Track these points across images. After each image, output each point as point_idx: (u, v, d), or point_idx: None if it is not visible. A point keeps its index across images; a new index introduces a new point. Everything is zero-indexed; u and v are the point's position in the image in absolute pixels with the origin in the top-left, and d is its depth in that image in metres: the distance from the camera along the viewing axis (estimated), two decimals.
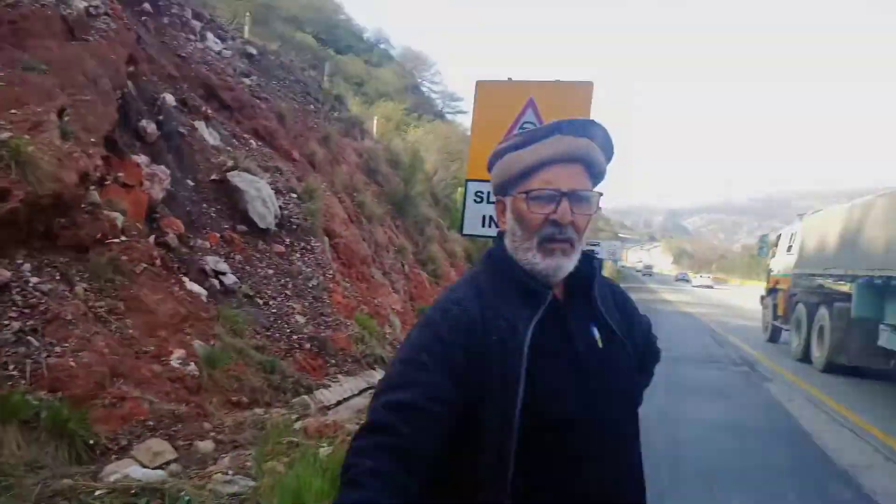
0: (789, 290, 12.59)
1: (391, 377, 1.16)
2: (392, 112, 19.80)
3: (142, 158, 7.03)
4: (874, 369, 9.25)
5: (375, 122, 17.22)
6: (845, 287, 9.82)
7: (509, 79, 7.62)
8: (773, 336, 13.86)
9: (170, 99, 8.34)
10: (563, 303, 1.23)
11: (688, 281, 62.91)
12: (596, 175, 1.24)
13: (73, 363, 4.50)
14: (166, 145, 7.76)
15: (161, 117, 7.90)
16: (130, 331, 5.33)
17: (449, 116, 33.42)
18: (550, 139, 1.20)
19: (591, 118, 1.27)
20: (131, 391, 4.89)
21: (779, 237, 14.48)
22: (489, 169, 1.30)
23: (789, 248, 12.98)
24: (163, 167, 7.34)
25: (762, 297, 15.09)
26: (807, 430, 6.13)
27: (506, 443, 1.09)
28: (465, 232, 7.86)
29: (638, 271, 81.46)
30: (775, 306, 13.54)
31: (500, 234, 1.30)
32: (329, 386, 7.28)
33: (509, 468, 1.09)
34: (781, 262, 13.56)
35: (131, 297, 5.54)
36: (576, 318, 1.23)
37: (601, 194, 1.24)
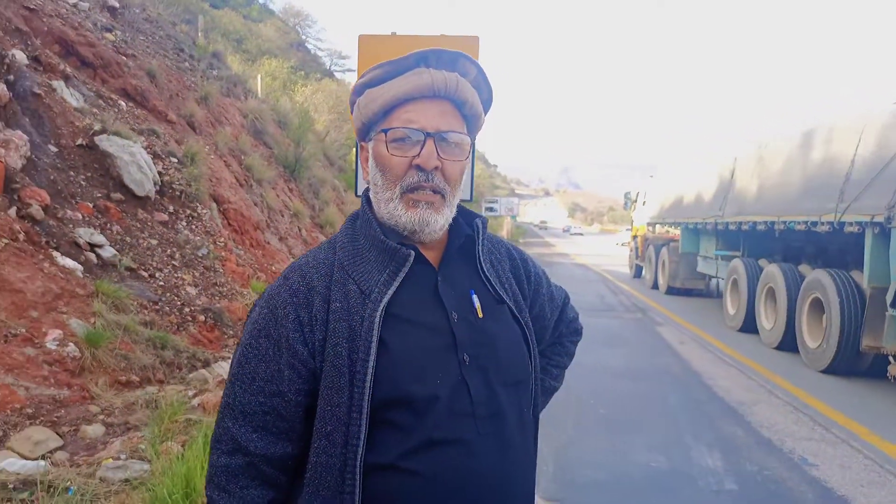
0: (644, 236, 16.00)
1: (234, 372, 1.05)
2: (277, 70, 18.82)
3: None
4: (697, 290, 13.19)
5: (260, 80, 16.32)
6: (676, 231, 13.56)
7: (393, 33, 7.43)
8: (637, 273, 17.41)
9: (20, 56, 7.42)
10: (440, 266, 1.08)
11: (568, 231, 79.53)
12: (469, 117, 1.08)
13: None
14: (21, 108, 6.93)
15: (11, 77, 7.01)
16: None
17: (338, 75, 32.38)
18: (413, 71, 1.03)
19: (463, 52, 1.07)
20: (2, 378, 4.43)
21: (637, 194, 17.31)
22: (351, 109, 1.13)
23: (644, 203, 16.14)
24: (19, 132, 6.56)
25: (624, 243, 20.18)
26: (697, 370, 6.55)
27: (354, 417, 0.95)
28: (358, 193, 7.70)
29: (535, 226, 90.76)
30: (637, 249, 17.14)
31: (367, 190, 1.14)
32: (228, 358, 6.96)
33: (360, 444, 0.95)
34: (639, 214, 16.69)
35: None
36: (451, 284, 1.07)
37: (472, 137, 1.09)
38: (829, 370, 6.54)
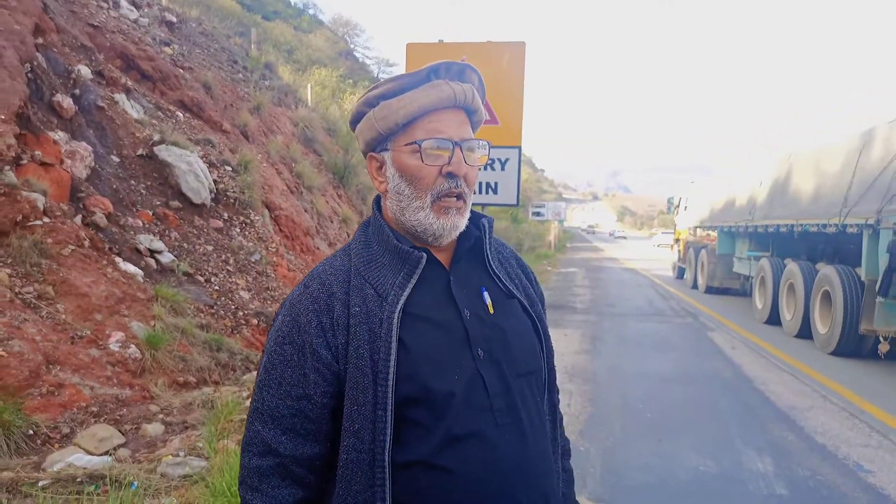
0: (686, 240, 16.92)
1: (261, 378, 1.09)
2: (326, 79, 19.22)
3: (60, 135, 6.61)
4: (734, 289, 13.60)
5: (310, 89, 16.71)
6: (714, 235, 14.56)
7: (440, 41, 7.51)
8: (679, 274, 18.19)
9: (85, 71, 7.83)
10: (451, 267, 1.13)
11: (613, 235, 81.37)
12: (475, 123, 1.14)
13: (2, 352, 4.25)
14: (86, 120, 7.32)
15: (77, 91, 7.42)
16: (63, 316, 5.07)
17: None
18: (431, 83, 1.07)
19: (467, 63, 1.12)
20: (69, 377, 4.68)
21: (679, 199, 18.18)
22: (355, 121, 1.15)
23: (686, 208, 17.04)
24: (84, 144, 6.93)
25: (669, 245, 21.68)
26: (749, 375, 6.40)
27: (380, 415, 1.00)
28: None
29: (583, 230, 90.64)
30: (679, 252, 18.02)
31: (377, 198, 1.18)
32: None
33: (386, 441, 0.99)
34: (681, 219, 17.60)
35: (61, 280, 5.26)
36: (462, 283, 1.11)
37: (488, 143, 1.15)
38: (836, 352, 7.52)
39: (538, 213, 33.89)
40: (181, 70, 9.93)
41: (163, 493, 3.52)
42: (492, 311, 1.11)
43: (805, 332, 8.52)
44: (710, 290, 14.34)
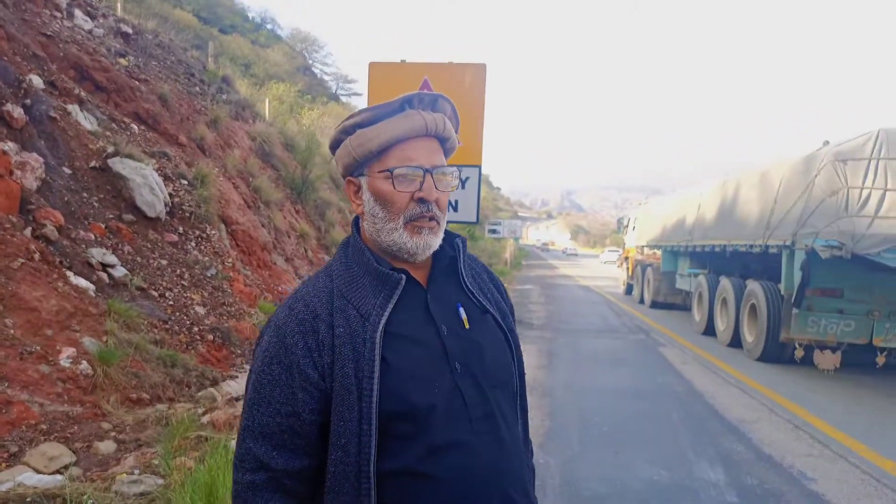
0: (634, 258, 17.87)
1: (250, 398, 1.15)
2: (284, 94, 19.11)
3: (9, 145, 6.42)
4: (677, 304, 14.55)
5: (268, 104, 16.58)
6: (659, 253, 15.17)
7: (403, 61, 7.63)
8: (628, 290, 19.21)
9: (37, 81, 7.64)
10: (428, 285, 1.19)
11: (565, 252, 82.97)
12: (448, 150, 1.21)
13: None
14: (37, 131, 7.12)
15: (28, 101, 7.22)
16: (11, 331, 4.91)
17: (344, 98, 32.76)
18: (404, 113, 1.14)
19: (440, 93, 1.19)
20: (18, 395, 4.52)
21: (629, 220, 19.20)
22: (334, 147, 1.22)
23: (633, 228, 18.01)
24: (35, 155, 6.74)
25: (615, 262, 25.19)
26: (700, 390, 6.63)
27: (365, 429, 1.06)
28: None
29: (537, 248, 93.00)
30: (627, 269, 19.14)
31: (356, 219, 1.24)
32: (236, 377, 7.03)
33: (371, 453, 1.06)
34: (630, 238, 18.71)
35: (10, 294, 5.09)
36: (439, 301, 1.18)
37: (458, 168, 1.24)
38: (761, 359, 8.43)
39: (494, 231, 34.27)
40: (136, 82, 9.76)
41: None
42: (467, 325, 1.17)
43: (736, 341, 9.43)
44: (654, 304, 15.44)
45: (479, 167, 7.37)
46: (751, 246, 8.92)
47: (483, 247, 30.22)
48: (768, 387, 6.83)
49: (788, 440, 4.91)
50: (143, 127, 9.31)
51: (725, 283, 10.07)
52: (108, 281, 6.65)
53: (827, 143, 7.99)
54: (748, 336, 9.00)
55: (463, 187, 7.32)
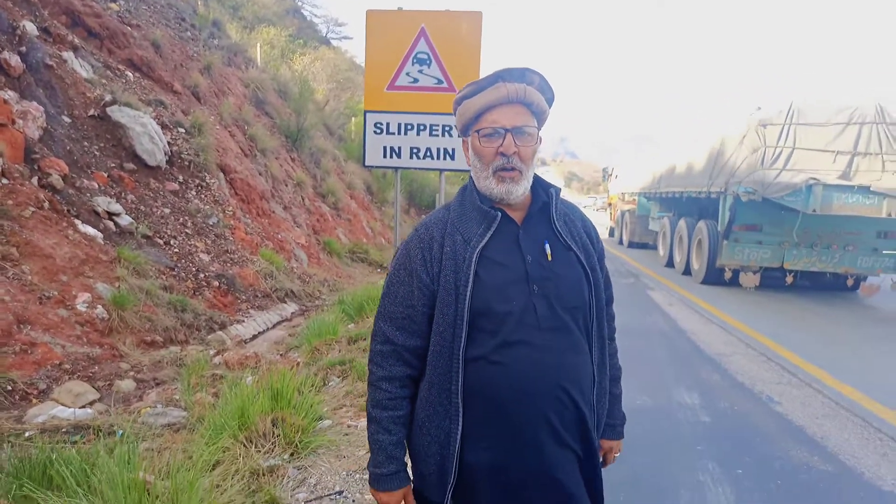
0: (616, 204, 19.75)
1: (385, 291, 1.54)
2: (275, 38, 18.80)
3: (9, 94, 6.50)
4: (649, 243, 16.17)
5: (259, 49, 16.37)
6: (635, 199, 16.86)
7: (399, 8, 7.63)
8: (611, 233, 21.03)
9: (31, 27, 7.63)
10: (522, 223, 1.49)
11: None
12: (537, 113, 1.47)
13: None
14: (34, 79, 7.17)
15: (24, 48, 7.24)
16: (29, 276, 5.15)
17: (335, 42, 32.12)
18: (494, 86, 1.44)
19: (529, 67, 1.47)
20: (41, 336, 4.80)
21: (613, 169, 21.13)
22: (455, 114, 1.55)
23: (616, 177, 20.03)
24: (34, 103, 6.82)
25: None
26: (683, 328, 6.99)
27: (458, 322, 1.40)
28: (367, 163, 8.01)
29: None
30: (611, 215, 21.18)
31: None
32: (243, 321, 7.35)
33: (460, 341, 1.40)
34: (613, 186, 20.73)
35: (24, 242, 5.31)
36: (529, 236, 1.47)
37: (539, 128, 1.49)
38: (704, 282, 10.40)
39: None
40: (129, 28, 9.70)
41: (149, 439, 3.75)
42: (549, 258, 1.47)
43: (688, 270, 11.41)
44: (631, 244, 17.41)
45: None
46: (699, 192, 10.88)
47: None
48: (746, 323, 7.21)
49: (760, 370, 5.28)
50: (137, 74, 9.32)
51: (682, 223, 11.93)
52: (114, 229, 6.86)
53: (759, 108, 9.82)
54: (695, 264, 11.00)
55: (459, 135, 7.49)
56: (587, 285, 1.49)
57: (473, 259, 1.42)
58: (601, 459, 1.64)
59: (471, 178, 1.55)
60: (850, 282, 10.19)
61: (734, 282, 10.03)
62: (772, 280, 10.06)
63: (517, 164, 1.44)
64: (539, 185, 1.53)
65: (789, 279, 9.90)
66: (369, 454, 1.53)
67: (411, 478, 1.55)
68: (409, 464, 1.54)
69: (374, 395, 1.52)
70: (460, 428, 1.42)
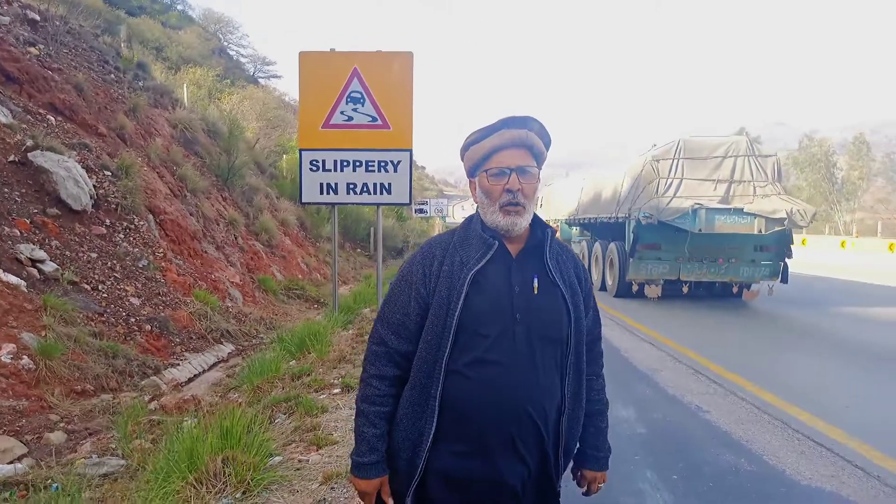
0: None
1: (386, 297, 1.69)
2: (202, 78, 18.60)
3: None
4: None
5: (186, 89, 16.16)
6: (559, 224, 17.99)
7: (332, 49, 7.82)
8: None
9: None
10: (517, 256, 1.63)
11: None
12: (537, 155, 1.65)
13: None
14: None
15: None
16: None
17: (263, 81, 31.97)
18: (499, 132, 1.62)
19: (530, 115, 1.66)
20: None
21: (540, 198, 21.92)
22: (462, 158, 1.72)
23: (541, 205, 20.74)
24: None
25: None
26: (616, 346, 7.30)
27: (445, 335, 1.55)
28: (304, 200, 8.09)
29: None
30: None
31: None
32: (178, 364, 7.15)
33: (444, 352, 1.54)
34: (541, 213, 22.01)
35: None
36: (521, 268, 1.61)
37: (539, 168, 1.66)
38: (617, 295, 11.86)
39: (421, 210, 34.71)
40: (49, 71, 9.45)
41: (87, 490, 3.61)
42: (536, 291, 1.61)
43: (603, 286, 12.82)
44: None
45: (410, 150, 7.73)
46: (610, 218, 12.40)
47: (412, 226, 30.55)
48: (674, 340, 7.60)
49: (689, 383, 5.60)
50: (60, 118, 9.07)
51: (597, 245, 13.51)
52: (38, 276, 6.60)
53: (654, 145, 12.19)
54: (609, 280, 12.54)
55: (396, 170, 7.66)
56: (567, 321, 1.63)
57: (467, 280, 1.56)
58: (585, 489, 1.84)
59: (477, 211, 1.72)
60: (735, 289, 11.67)
61: (640, 294, 11.50)
62: (672, 290, 11.49)
63: (521, 199, 1.60)
64: (537, 224, 1.68)
65: (685, 289, 11.46)
66: (354, 445, 1.66)
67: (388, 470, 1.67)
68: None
69: (364, 390, 1.65)
70: (433, 429, 1.55)
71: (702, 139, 11.53)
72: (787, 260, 11.07)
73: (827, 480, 3.54)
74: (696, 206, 10.16)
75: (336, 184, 7.67)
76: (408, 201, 7.67)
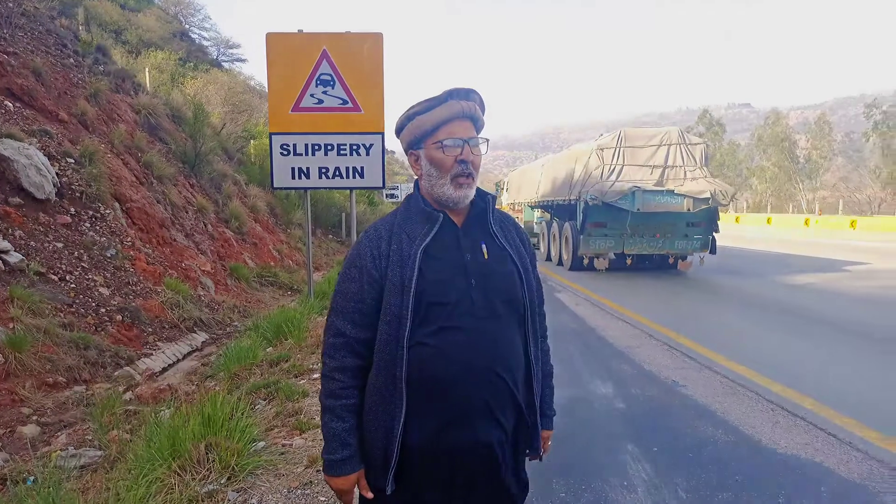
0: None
1: (337, 289, 1.66)
2: (164, 62, 18.11)
3: None
4: (535, 245, 17.67)
5: (147, 74, 15.72)
6: (521, 207, 19.64)
7: (300, 31, 7.66)
8: None
9: None
10: (462, 226, 1.65)
11: None
12: (479, 128, 1.68)
13: None
14: None
15: None
16: None
17: (227, 65, 31.27)
18: (447, 103, 1.61)
19: (472, 88, 1.66)
20: None
21: (504, 183, 23.60)
22: (399, 131, 1.69)
23: (506, 190, 22.54)
24: None
25: None
26: (591, 325, 7.41)
27: (403, 312, 1.53)
28: (275, 186, 7.96)
29: None
30: None
31: (416, 181, 1.71)
32: (151, 354, 7.03)
33: (405, 329, 1.53)
34: (504, 198, 23.15)
35: None
36: (469, 236, 1.63)
37: (488, 140, 1.70)
38: (571, 268, 13.44)
39: (392, 196, 34.61)
40: (5, 55, 9.09)
41: (66, 483, 3.56)
42: (486, 257, 1.63)
43: (560, 262, 14.50)
44: None
45: (382, 134, 7.66)
46: (563, 200, 13.79)
47: (383, 211, 30.38)
48: (647, 317, 7.75)
49: (664, 358, 5.72)
50: (18, 104, 8.75)
51: (555, 225, 15.11)
52: (3, 267, 6.42)
53: (601, 135, 13.67)
54: (565, 256, 14.11)
55: (368, 154, 7.58)
56: (520, 282, 1.66)
57: (418, 255, 1.56)
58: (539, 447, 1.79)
59: (415, 186, 1.71)
60: (671, 260, 13.07)
61: (591, 267, 12.98)
62: (617, 263, 12.96)
63: (471, 170, 1.62)
64: (477, 193, 1.69)
65: (629, 261, 13.01)
66: (324, 443, 1.62)
67: (363, 464, 1.65)
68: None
69: (327, 385, 1.62)
70: (403, 413, 1.54)
71: (640, 130, 13.21)
72: (714, 234, 12.62)
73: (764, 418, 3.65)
74: (634, 188, 11.68)
75: (308, 168, 7.56)
76: (381, 185, 7.62)
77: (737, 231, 28.33)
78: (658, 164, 12.51)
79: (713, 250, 12.68)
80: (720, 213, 12.73)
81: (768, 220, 33.76)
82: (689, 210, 11.76)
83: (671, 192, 11.78)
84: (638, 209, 11.64)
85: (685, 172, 12.35)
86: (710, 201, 11.69)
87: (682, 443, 3.73)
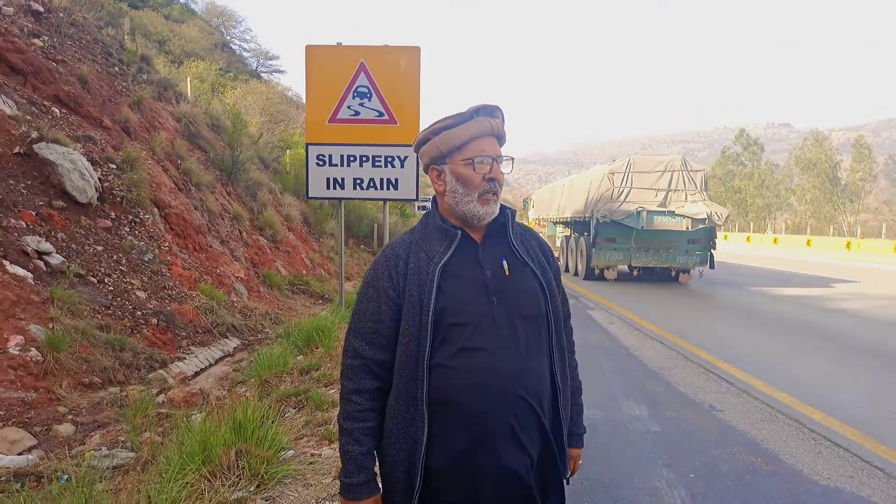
0: (534, 228, 23.87)
1: (355, 309, 1.64)
2: (205, 72, 18.54)
3: None
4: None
5: (189, 83, 16.10)
6: (545, 223, 21.59)
7: (339, 43, 7.75)
8: None
9: None
10: (481, 242, 1.61)
11: None
12: (502, 145, 1.65)
13: None
14: None
15: None
16: None
17: (265, 76, 31.88)
18: (475, 119, 1.59)
19: (496, 105, 1.64)
20: None
21: (531, 199, 25.33)
22: (421, 144, 1.65)
23: (533, 206, 24.34)
24: None
25: None
26: (625, 345, 7.28)
27: (423, 332, 1.49)
28: (310, 195, 8.02)
29: None
30: None
31: (434, 197, 1.69)
32: (184, 358, 7.12)
33: (425, 349, 1.49)
34: (531, 214, 24.80)
35: None
36: (488, 253, 1.59)
37: (513, 158, 1.68)
38: (585, 278, 15.00)
39: (424, 208, 34.80)
40: (54, 63, 9.40)
41: (97, 483, 3.59)
42: (507, 273, 1.59)
43: (575, 272, 16.12)
44: None
45: None
46: (580, 217, 15.52)
47: (414, 223, 30.47)
48: (681, 337, 7.57)
49: (700, 381, 5.58)
50: (64, 110, 9.02)
51: (573, 239, 16.82)
52: (45, 269, 6.57)
53: (613, 160, 15.32)
54: (580, 267, 15.68)
55: (403, 166, 7.60)
56: (543, 298, 1.61)
57: (436, 273, 1.52)
58: (571, 468, 1.74)
59: (433, 203, 1.68)
60: (673, 273, 14.69)
61: (601, 277, 14.65)
62: (625, 275, 15.04)
63: (497, 188, 1.60)
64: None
65: (636, 273, 15.28)
66: (341, 466, 1.58)
67: (381, 487, 1.61)
68: (379, 473, 1.60)
69: (345, 407, 1.59)
70: (426, 435, 1.49)
71: (647, 157, 14.74)
72: (712, 251, 14.20)
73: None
74: (640, 208, 13.42)
75: (343, 179, 7.61)
76: (415, 197, 7.63)
77: (773, 253, 27.65)
78: (662, 188, 14.00)
79: (711, 265, 14.20)
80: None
81: (808, 242, 32.98)
82: (687, 229, 13.45)
83: (672, 213, 13.46)
84: (642, 227, 13.34)
85: (686, 196, 13.86)
86: (706, 221, 13.32)
87: (719, 470, 3.61)
